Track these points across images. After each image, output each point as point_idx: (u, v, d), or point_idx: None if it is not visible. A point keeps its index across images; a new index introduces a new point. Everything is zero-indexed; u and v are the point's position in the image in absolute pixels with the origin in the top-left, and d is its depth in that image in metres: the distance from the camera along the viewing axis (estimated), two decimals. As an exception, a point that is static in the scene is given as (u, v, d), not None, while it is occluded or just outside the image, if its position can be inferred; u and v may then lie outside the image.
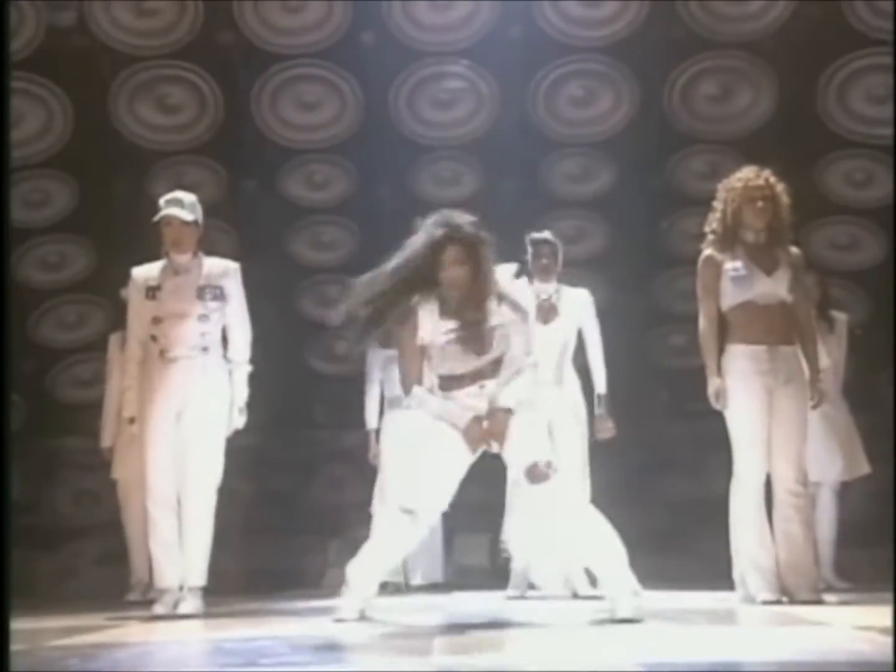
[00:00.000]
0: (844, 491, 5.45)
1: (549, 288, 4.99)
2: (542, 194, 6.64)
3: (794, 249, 4.42)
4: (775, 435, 4.24)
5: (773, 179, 4.35)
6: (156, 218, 4.43)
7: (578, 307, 5.04)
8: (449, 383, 3.66)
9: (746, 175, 4.36)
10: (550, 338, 4.86)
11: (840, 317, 5.59)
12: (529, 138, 6.39)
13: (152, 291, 4.40)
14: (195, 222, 4.46)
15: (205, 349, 4.36)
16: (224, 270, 4.47)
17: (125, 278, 4.61)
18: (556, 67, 6.25)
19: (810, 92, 6.14)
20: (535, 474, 3.52)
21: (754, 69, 6.19)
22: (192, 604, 4.25)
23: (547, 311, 4.93)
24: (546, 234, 5.06)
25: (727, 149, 6.42)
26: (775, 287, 4.30)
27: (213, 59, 6.17)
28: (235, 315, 4.46)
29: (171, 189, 6.61)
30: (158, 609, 4.24)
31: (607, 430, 5.01)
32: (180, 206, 4.43)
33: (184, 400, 4.31)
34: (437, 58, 6.25)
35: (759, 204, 4.30)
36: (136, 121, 6.36)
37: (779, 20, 5.96)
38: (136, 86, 6.24)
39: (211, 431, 4.34)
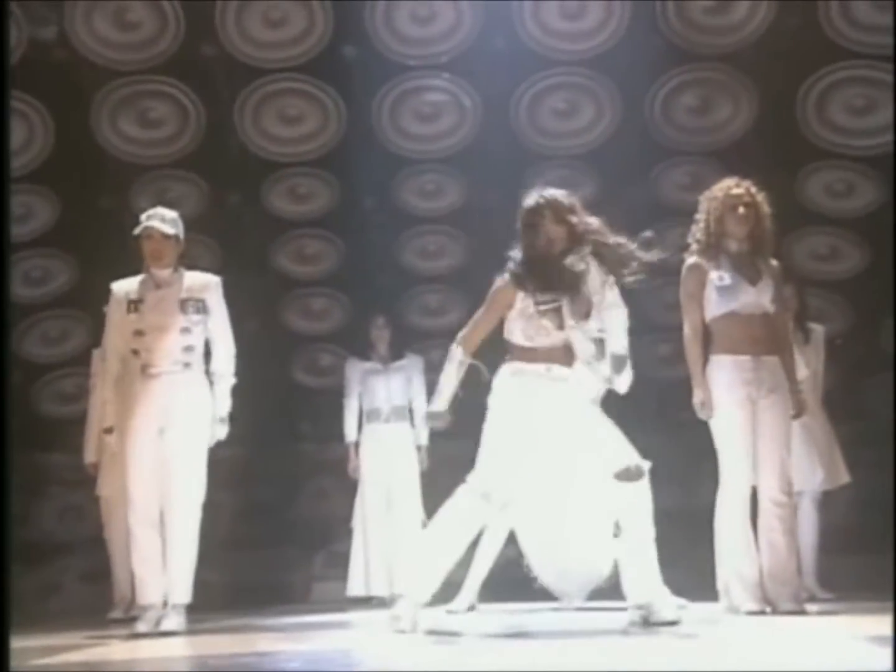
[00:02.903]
0: (825, 500, 5.48)
1: None
2: (525, 206, 6.65)
3: (773, 262, 4.46)
4: (760, 445, 4.26)
5: (754, 189, 4.39)
6: (136, 231, 4.43)
7: None
8: (520, 353, 3.72)
9: (727, 184, 4.41)
10: None
11: (817, 328, 5.62)
12: (512, 151, 6.41)
13: (134, 304, 4.40)
14: (176, 237, 4.46)
15: (187, 365, 4.35)
16: (205, 284, 4.47)
17: (109, 293, 4.60)
18: (538, 80, 6.28)
19: (790, 103, 6.19)
20: (630, 474, 3.63)
21: (734, 81, 6.23)
22: (174, 620, 4.22)
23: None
24: None
25: (708, 160, 6.46)
26: (759, 297, 4.33)
27: (195, 74, 6.17)
28: (218, 328, 4.46)
29: (154, 203, 6.59)
30: (141, 627, 4.20)
31: None
32: (161, 220, 4.45)
33: (166, 416, 4.30)
34: (420, 71, 6.27)
35: (741, 210, 4.34)
36: (118, 135, 6.35)
37: (758, 33, 6.01)
38: (118, 100, 6.23)
39: (194, 448, 4.32)
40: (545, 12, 6.04)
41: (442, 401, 3.77)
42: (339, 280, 7.01)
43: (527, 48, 6.11)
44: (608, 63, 6.14)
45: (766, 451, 4.26)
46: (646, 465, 3.71)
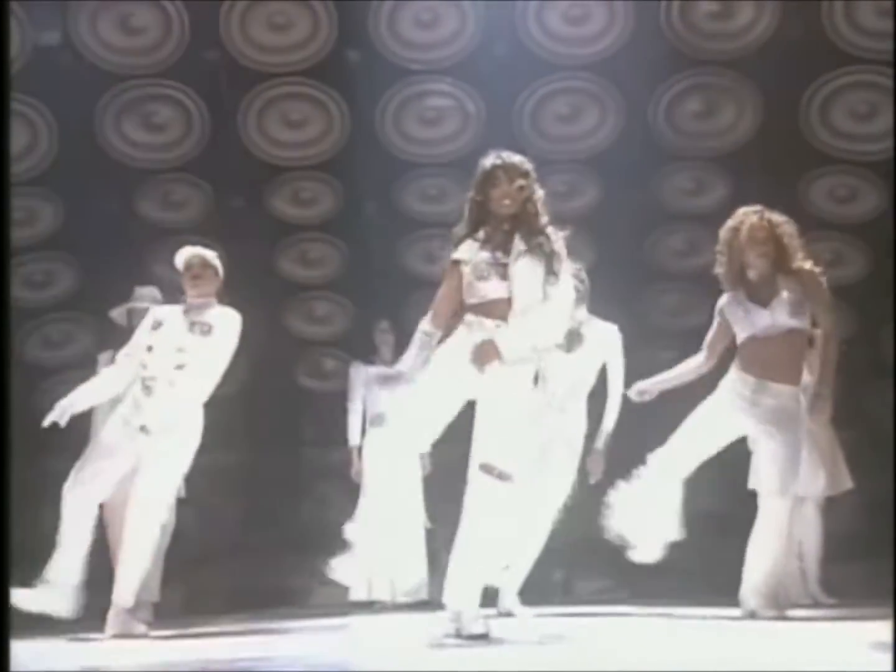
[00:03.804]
0: (828, 506, 5.47)
1: (577, 315, 4.67)
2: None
3: (805, 266, 4.31)
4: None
5: (775, 217, 4.27)
6: (178, 259, 4.47)
7: (607, 343, 4.91)
8: (477, 311, 3.60)
9: (751, 220, 4.28)
10: (568, 367, 4.63)
11: (820, 333, 5.61)
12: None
13: (157, 323, 4.46)
14: (215, 269, 4.51)
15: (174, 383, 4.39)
16: (222, 313, 4.48)
17: (111, 296, 4.62)
18: (541, 85, 6.29)
19: (793, 109, 6.19)
20: (490, 470, 3.47)
21: (738, 86, 6.24)
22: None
23: (571, 340, 4.62)
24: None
25: (712, 165, 6.47)
26: (774, 317, 4.26)
27: (199, 78, 6.19)
28: (212, 351, 4.41)
29: (157, 207, 6.62)
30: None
31: (597, 471, 4.85)
32: (202, 250, 4.53)
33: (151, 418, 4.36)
34: (423, 75, 6.28)
35: (761, 249, 4.26)
36: (122, 139, 6.37)
37: (762, 38, 6.02)
38: (122, 104, 6.25)
39: (172, 450, 4.37)
40: (549, 17, 6.06)
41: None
42: (342, 284, 7.02)
43: (530, 53, 6.12)
44: (612, 68, 6.16)
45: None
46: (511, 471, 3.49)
